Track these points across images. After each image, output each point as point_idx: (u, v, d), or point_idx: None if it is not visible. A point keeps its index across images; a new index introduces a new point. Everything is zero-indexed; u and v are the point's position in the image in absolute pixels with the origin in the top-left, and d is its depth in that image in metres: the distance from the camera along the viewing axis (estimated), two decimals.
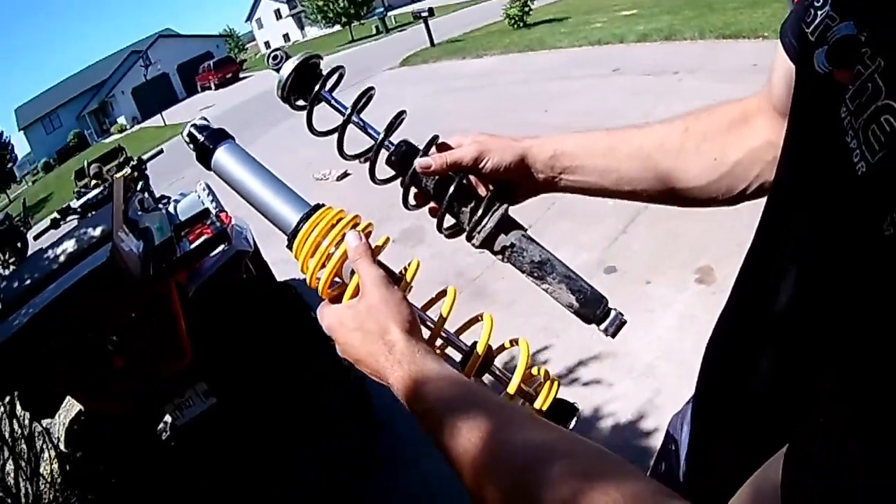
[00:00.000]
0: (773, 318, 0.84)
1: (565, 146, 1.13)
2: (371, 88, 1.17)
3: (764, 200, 0.94)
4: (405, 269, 1.04)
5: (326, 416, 3.74)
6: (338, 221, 1.00)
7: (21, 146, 70.53)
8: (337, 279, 1.01)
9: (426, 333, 0.98)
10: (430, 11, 24.16)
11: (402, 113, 1.16)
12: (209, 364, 3.28)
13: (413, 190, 1.13)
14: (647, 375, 4.00)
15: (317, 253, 0.99)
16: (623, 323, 1.03)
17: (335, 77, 1.13)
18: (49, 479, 3.74)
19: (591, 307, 1.02)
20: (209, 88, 53.55)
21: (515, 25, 21.88)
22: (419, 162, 1.08)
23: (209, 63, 56.28)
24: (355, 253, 0.96)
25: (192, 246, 3.35)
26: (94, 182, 8.92)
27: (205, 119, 1.12)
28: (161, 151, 7.23)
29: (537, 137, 1.15)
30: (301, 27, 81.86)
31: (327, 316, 0.98)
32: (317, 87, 1.10)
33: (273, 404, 3.58)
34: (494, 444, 0.72)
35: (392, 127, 1.12)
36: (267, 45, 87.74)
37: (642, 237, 5.66)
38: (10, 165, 57.62)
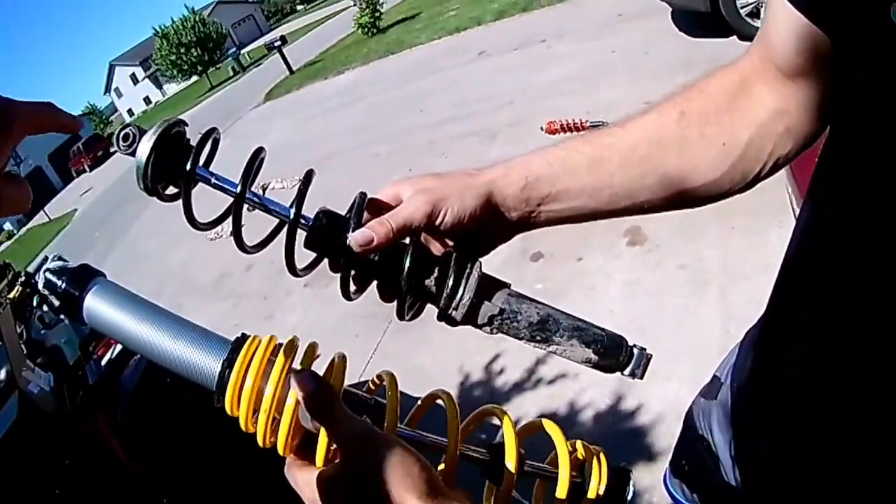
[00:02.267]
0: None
1: (538, 169, 0.89)
2: (261, 150, 0.86)
3: None
4: (372, 389, 0.84)
5: None
6: (274, 353, 0.76)
7: None
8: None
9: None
10: (283, 39, 24.11)
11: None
12: (159, 484, 3.03)
13: (351, 275, 0.85)
14: None
15: (261, 409, 0.74)
16: (649, 359, 0.84)
17: (209, 145, 0.84)
18: None
19: (613, 356, 0.83)
20: (84, 171, 52.44)
21: (370, 33, 21.96)
22: (356, 239, 0.80)
23: (78, 146, 55.09)
24: (313, 405, 0.71)
25: (103, 368, 3.09)
26: None
27: (60, 258, 0.85)
28: (46, 258, 6.93)
29: (497, 166, 0.91)
30: (160, 86, 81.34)
31: (305, 486, 0.73)
32: (188, 166, 0.81)
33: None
34: None
35: (301, 198, 0.83)
36: (130, 112, 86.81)
37: None
38: None
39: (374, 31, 21.92)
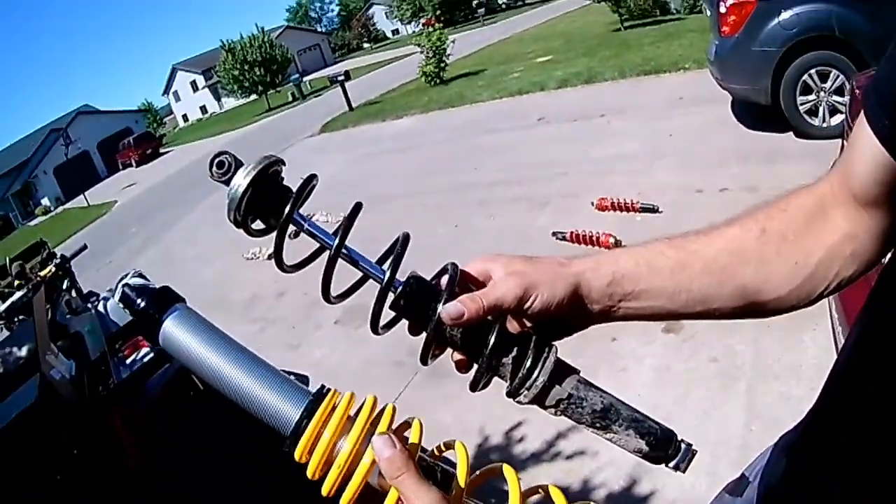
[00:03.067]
0: None
1: (625, 267, 0.91)
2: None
3: None
4: (438, 451, 0.83)
5: None
6: (354, 411, 0.77)
7: None
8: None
9: None
10: (347, 75, 24.40)
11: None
12: (160, 487, 2.98)
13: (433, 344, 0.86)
14: None
15: (335, 463, 0.74)
16: (694, 454, 0.84)
17: (306, 191, 0.85)
18: None
19: (663, 448, 0.83)
20: (130, 166, 53.13)
21: (433, 82, 22.15)
22: (448, 312, 0.81)
23: (129, 140, 55.93)
24: (391, 468, 0.72)
25: (130, 363, 3.07)
26: (17, 282, 8.57)
27: (141, 275, 0.84)
28: (85, 247, 6.99)
29: (587, 258, 0.93)
30: (218, 98, 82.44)
31: None
32: (287, 210, 0.82)
33: None
34: None
35: (398, 260, 0.85)
36: (185, 117, 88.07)
37: None
38: None
39: (438, 81, 22.11)
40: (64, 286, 5.63)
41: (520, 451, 4.00)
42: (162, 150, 54.06)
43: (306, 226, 0.85)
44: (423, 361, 0.87)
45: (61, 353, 3.07)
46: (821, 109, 6.90)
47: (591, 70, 14.00)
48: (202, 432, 3.21)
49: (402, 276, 0.85)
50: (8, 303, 6.06)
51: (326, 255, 0.85)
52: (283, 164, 0.85)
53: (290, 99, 47.86)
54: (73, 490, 2.66)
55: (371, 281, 0.86)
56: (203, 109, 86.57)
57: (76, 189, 49.20)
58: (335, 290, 0.87)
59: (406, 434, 0.80)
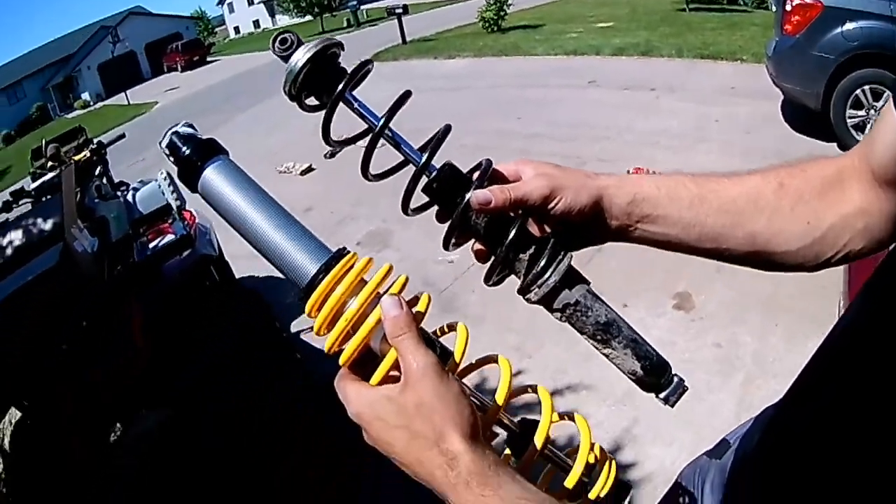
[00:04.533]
0: None
1: (647, 190, 0.95)
2: (408, 93, 0.91)
3: None
4: (441, 331, 0.86)
5: (292, 431, 3.48)
6: (367, 274, 0.80)
7: None
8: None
9: None
10: (405, 9, 24.10)
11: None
12: (166, 374, 3.05)
13: (457, 230, 0.90)
14: (624, 403, 3.88)
15: (342, 318, 0.77)
16: (685, 390, 0.90)
17: (360, 74, 0.90)
18: None
19: (657, 375, 0.88)
20: (175, 70, 52.87)
21: (490, 29, 21.82)
22: (477, 196, 0.85)
23: (177, 44, 55.61)
24: (396, 328, 0.75)
25: (152, 247, 3.13)
26: (50, 164, 8.63)
27: (190, 126, 0.87)
28: (123, 136, 7.01)
29: (613, 175, 0.96)
30: (272, 14, 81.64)
31: (354, 399, 0.77)
32: (340, 87, 0.86)
33: (234, 417, 3.32)
34: None
35: (437, 146, 0.90)
36: (237, 30, 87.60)
37: (618, 257, 5.49)
38: None
39: (495, 28, 21.76)
40: (96, 172, 5.69)
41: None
42: (209, 59, 53.79)
43: (356, 105, 0.89)
44: (446, 246, 0.92)
45: (86, 231, 3.13)
46: (868, 127, 6.71)
47: (649, 43, 13.79)
48: (216, 322, 3.29)
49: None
50: (38, 182, 6.13)
51: (372, 136, 0.89)
52: (342, 48, 0.89)
53: (345, 25, 47.43)
54: (77, 359, 2.74)
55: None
56: (256, 24, 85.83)
57: (118, 87, 49.09)
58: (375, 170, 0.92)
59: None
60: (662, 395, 0.89)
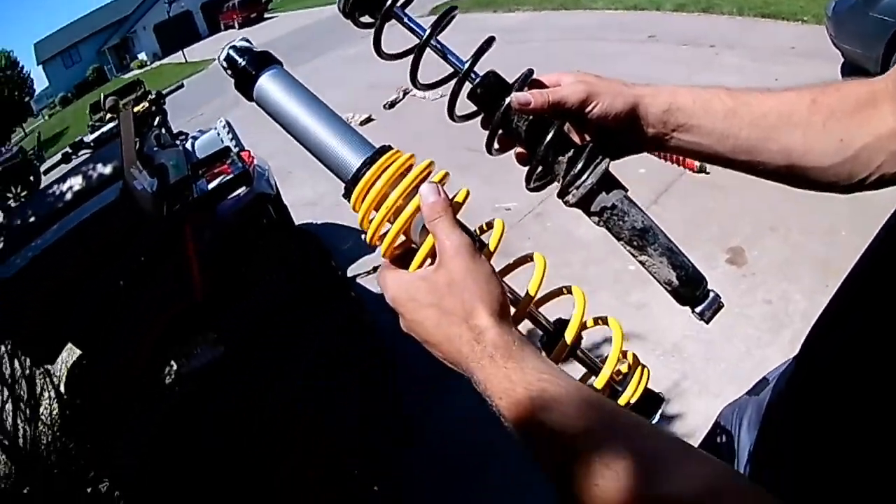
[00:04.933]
0: None
1: (682, 101, 0.96)
2: (454, 8, 0.97)
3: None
4: (481, 230, 0.88)
5: (342, 369, 3.55)
6: (408, 169, 0.83)
7: (39, 80, 70.06)
8: (402, 236, 0.84)
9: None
10: None
11: (491, 39, 0.96)
12: (221, 312, 3.11)
13: (499, 132, 0.93)
14: (672, 355, 3.89)
15: (383, 206, 0.81)
16: (721, 307, 0.91)
17: None
18: (48, 423, 3.61)
19: (692, 287, 0.90)
20: (232, 27, 52.95)
21: None
22: (517, 97, 0.88)
23: (234, 2, 55.44)
24: (433, 211, 0.78)
25: (211, 186, 3.18)
26: (109, 116, 8.79)
27: (246, 40, 0.92)
28: (181, 86, 7.10)
29: (650, 86, 0.98)
30: None
31: (392, 285, 0.81)
32: (390, 1, 0.90)
33: (286, 355, 3.38)
34: (652, 492, 0.58)
35: (480, 54, 0.92)
36: None
37: (674, 209, 5.50)
38: (27, 99, 57.20)
39: None
40: (155, 122, 5.79)
41: None
42: (266, 16, 53.82)
43: (405, 20, 0.93)
44: (489, 150, 0.96)
45: (145, 173, 3.20)
46: None
47: (710, 0, 13.54)
48: (270, 261, 3.35)
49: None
50: (97, 133, 6.27)
51: (418, 45, 0.94)
52: None
53: None
54: (137, 294, 2.81)
55: None
56: None
57: (175, 46, 49.48)
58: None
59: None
60: (698, 309, 0.90)
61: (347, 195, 0.84)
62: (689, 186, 5.75)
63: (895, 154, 0.91)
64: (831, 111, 0.94)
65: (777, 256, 4.56)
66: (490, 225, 0.89)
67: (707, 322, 0.91)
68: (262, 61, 0.89)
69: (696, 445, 1.41)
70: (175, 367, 3.14)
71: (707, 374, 3.65)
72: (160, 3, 58.44)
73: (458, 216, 0.82)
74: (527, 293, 0.85)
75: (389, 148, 0.85)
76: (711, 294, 0.90)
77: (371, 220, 0.82)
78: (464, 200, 0.84)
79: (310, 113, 0.86)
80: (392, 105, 10.54)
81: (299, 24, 32.50)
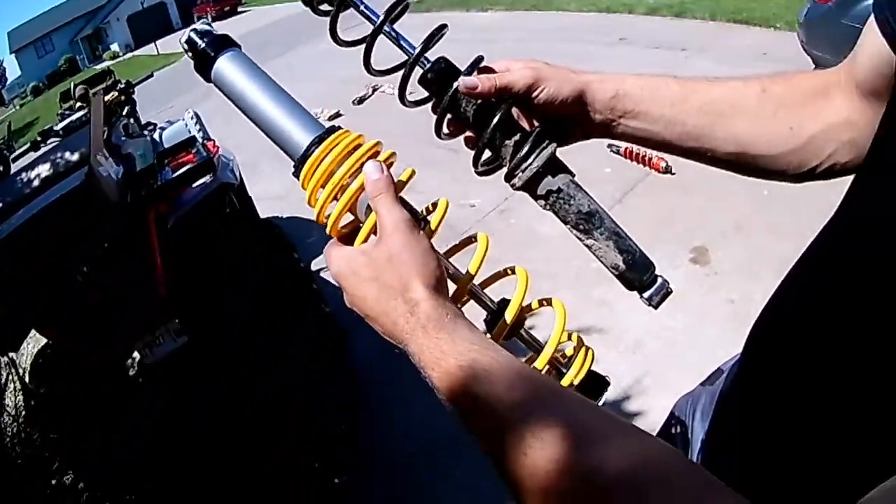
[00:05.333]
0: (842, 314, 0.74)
1: (629, 87, 0.98)
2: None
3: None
4: (428, 210, 0.91)
5: (303, 360, 3.56)
6: (356, 148, 0.85)
7: (12, 70, 69.23)
8: (350, 215, 0.87)
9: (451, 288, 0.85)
10: None
11: (443, 27, 0.99)
12: (183, 300, 3.11)
13: (447, 116, 0.96)
14: (634, 352, 3.92)
15: (329, 183, 0.83)
16: (669, 293, 0.93)
17: None
18: (13, 413, 3.59)
19: (639, 272, 0.91)
20: (205, 20, 52.69)
21: None
22: (464, 81, 0.91)
23: None
24: (375, 188, 0.81)
25: (175, 174, 3.17)
26: (78, 105, 8.73)
27: (207, 24, 0.94)
28: (151, 76, 7.09)
29: (598, 73, 1.00)
30: None
31: (335, 259, 0.84)
32: None
33: (248, 346, 3.38)
34: (579, 463, 0.59)
35: (430, 41, 0.95)
36: None
37: (638, 208, 5.54)
38: None
39: None
40: (124, 112, 5.76)
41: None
42: (240, 10, 53.50)
43: (361, 7, 0.96)
44: (438, 134, 0.98)
45: (111, 160, 3.19)
46: None
47: (682, 4, 13.55)
48: (233, 251, 3.34)
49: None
50: (66, 121, 6.23)
51: (372, 32, 0.97)
52: None
53: None
54: (100, 281, 2.80)
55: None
56: None
57: (148, 38, 49.10)
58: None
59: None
60: (646, 294, 0.91)
61: (297, 173, 0.86)
62: (655, 186, 5.80)
63: (846, 144, 0.93)
64: (781, 100, 0.96)
65: (741, 256, 4.60)
66: (435, 205, 0.91)
67: (655, 307, 0.92)
68: (220, 43, 0.91)
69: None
70: (139, 358, 3.13)
71: (668, 371, 3.67)
72: None
73: (403, 194, 0.85)
74: (467, 271, 0.87)
75: (338, 128, 0.87)
76: (660, 279, 0.92)
77: (318, 199, 0.84)
78: (408, 179, 0.87)
79: (264, 93, 0.89)
80: (361, 101, 10.54)
81: (273, 18, 32.37)
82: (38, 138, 5.98)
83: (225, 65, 0.90)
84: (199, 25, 0.93)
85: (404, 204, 0.84)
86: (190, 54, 0.92)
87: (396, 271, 0.77)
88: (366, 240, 0.83)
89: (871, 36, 0.82)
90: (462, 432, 0.71)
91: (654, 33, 11.87)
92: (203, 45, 0.91)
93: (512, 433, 0.63)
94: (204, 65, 0.91)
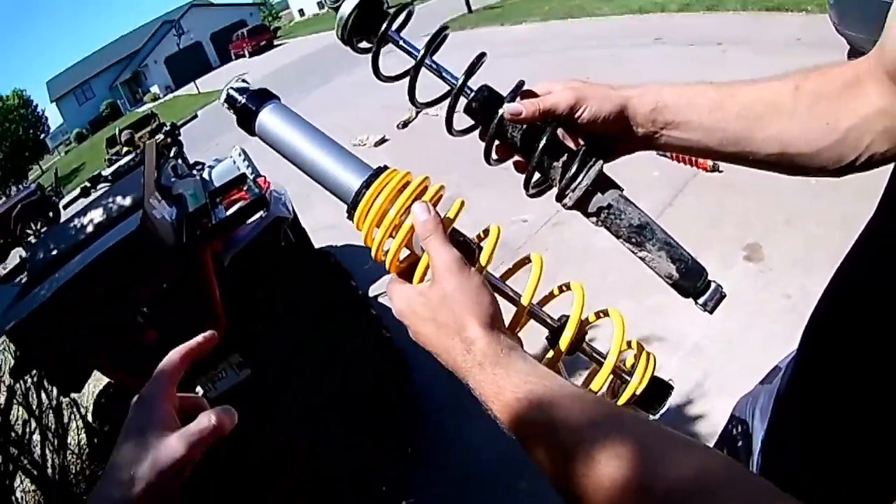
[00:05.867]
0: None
1: (668, 98, 0.99)
2: (445, 28, 1.03)
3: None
4: (480, 237, 0.92)
5: (366, 391, 3.59)
6: (405, 186, 0.87)
7: (54, 118, 70.88)
8: (406, 249, 0.89)
9: (509, 308, 0.87)
10: None
11: (482, 55, 1.01)
12: (244, 335, 3.16)
13: (496, 142, 0.98)
14: (693, 356, 3.88)
15: (382, 224, 0.86)
16: (723, 297, 0.94)
17: (403, 16, 1.00)
18: (76, 451, 3.66)
19: (692, 279, 0.93)
20: (243, 56, 53.47)
21: None
22: (508, 108, 0.93)
23: (243, 31, 56.08)
24: (424, 230, 0.84)
25: (229, 213, 3.22)
26: (125, 149, 8.90)
27: (244, 80, 0.98)
28: (195, 116, 7.19)
29: (637, 86, 1.01)
30: None
31: (397, 299, 0.87)
32: (384, 26, 0.97)
33: (310, 378, 3.41)
34: (639, 478, 0.60)
35: (472, 70, 0.97)
36: (301, 12, 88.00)
37: (689, 209, 5.50)
38: (42, 137, 57.72)
39: None
40: (171, 153, 5.86)
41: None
42: (276, 43, 54.12)
43: (400, 42, 1.00)
44: (487, 160, 1.00)
45: (164, 202, 3.25)
46: None
47: None
48: (290, 283, 3.38)
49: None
50: (115, 166, 6.34)
51: (414, 66, 1.00)
52: None
53: (410, 0, 47.32)
54: (162, 320, 2.85)
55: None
56: (320, 5, 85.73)
57: (187, 78, 50.11)
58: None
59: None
60: (701, 300, 0.93)
61: (350, 216, 0.89)
62: (703, 186, 5.75)
63: (882, 133, 0.92)
64: (815, 96, 0.96)
65: (794, 250, 4.54)
66: (487, 232, 0.92)
67: (711, 312, 0.93)
68: (260, 97, 0.95)
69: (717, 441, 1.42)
70: (202, 393, 3.18)
71: (728, 372, 3.64)
72: (170, 36, 59.16)
73: (456, 224, 0.88)
74: (523, 294, 0.88)
75: (386, 168, 0.89)
76: (713, 284, 0.93)
77: (374, 238, 0.87)
78: (457, 214, 0.89)
79: (309, 142, 0.92)
80: (405, 125, 10.61)
81: (309, 50, 32.76)
82: (88, 184, 6.09)
83: (267, 118, 0.93)
84: (236, 82, 0.96)
85: (456, 235, 0.88)
86: (231, 111, 0.95)
87: (451, 312, 0.80)
88: (422, 278, 0.86)
89: None
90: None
91: (689, 30, 11.79)
92: (243, 100, 0.94)
93: (572, 456, 0.65)
94: (246, 119, 0.94)
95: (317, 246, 4.78)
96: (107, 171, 6.23)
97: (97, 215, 3.24)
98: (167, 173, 4.28)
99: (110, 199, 3.40)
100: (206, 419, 0.83)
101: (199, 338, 0.93)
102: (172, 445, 0.78)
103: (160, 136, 6.21)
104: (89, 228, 3.14)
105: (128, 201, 3.23)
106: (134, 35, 68.04)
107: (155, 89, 61.50)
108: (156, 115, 14.97)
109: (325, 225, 6.44)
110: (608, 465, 0.61)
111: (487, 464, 3.58)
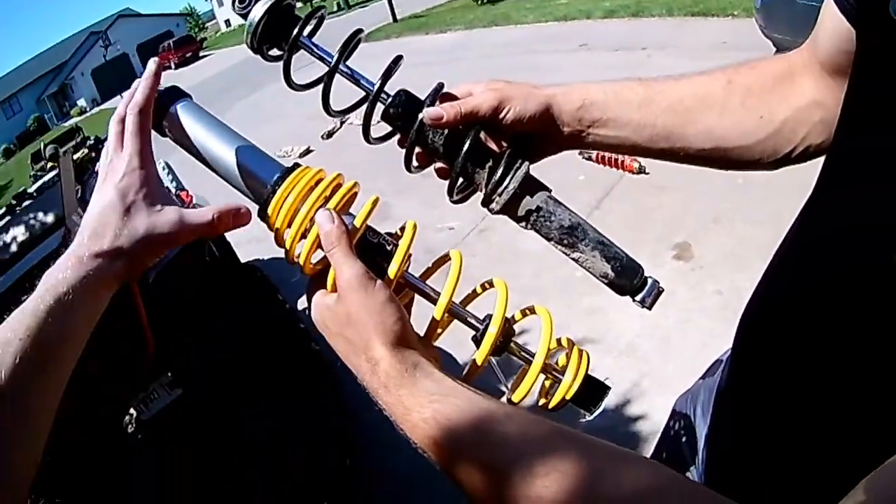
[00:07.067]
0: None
1: (595, 95, 0.98)
2: (359, 31, 0.98)
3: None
4: (398, 235, 0.89)
5: (298, 404, 3.54)
6: (317, 183, 0.84)
7: None
8: (321, 249, 0.84)
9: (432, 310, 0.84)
10: None
11: (398, 58, 0.98)
12: (173, 354, 3.08)
13: (416, 149, 0.95)
14: (629, 355, 3.90)
15: (294, 223, 0.83)
16: (661, 292, 0.91)
17: (315, 21, 0.95)
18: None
19: (629, 277, 0.90)
20: (169, 68, 52.60)
21: (479, 1, 21.61)
22: (428, 113, 0.90)
23: (169, 43, 55.34)
24: (327, 242, 0.80)
25: None
26: (50, 164, 8.73)
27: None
28: None
29: (562, 85, 0.99)
30: None
31: (313, 308, 0.84)
32: (295, 32, 0.92)
33: (242, 392, 3.35)
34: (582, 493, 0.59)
35: (389, 74, 0.94)
36: (227, 23, 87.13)
37: (616, 212, 5.56)
38: None
39: (485, 0, 21.66)
40: (95, 168, 5.73)
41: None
42: (202, 54, 53.63)
43: (313, 49, 0.95)
44: (408, 168, 0.97)
45: None
46: None
47: (639, 4, 13.68)
48: (215, 298, 3.31)
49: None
50: (39, 182, 6.21)
51: (327, 73, 0.95)
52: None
53: (335, 8, 47.09)
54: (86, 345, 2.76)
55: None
56: (245, 16, 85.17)
57: (113, 91, 49.28)
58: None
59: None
60: (638, 297, 0.90)
61: (262, 216, 0.85)
62: (630, 188, 5.81)
63: (817, 125, 0.93)
64: (748, 89, 0.97)
65: (723, 247, 4.62)
66: (403, 229, 0.89)
67: (650, 308, 0.91)
68: (170, 96, 0.91)
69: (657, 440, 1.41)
70: (136, 415, 3.10)
71: (665, 370, 3.67)
72: (97, 48, 58.14)
73: (371, 218, 0.85)
74: (441, 295, 0.85)
75: (298, 165, 0.86)
76: (650, 280, 0.90)
77: (286, 239, 0.84)
78: (368, 214, 0.85)
79: (219, 142, 0.89)
80: (330, 135, 10.54)
81: (235, 60, 32.38)
82: (13, 202, 5.96)
83: (176, 116, 0.90)
84: None
85: (370, 237, 0.85)
86: None
87: (356, 330, 0.78)
88: (334, 286, 0.82)
89: (830, 13, 0.82)
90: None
91: (614, 35, 11.97)
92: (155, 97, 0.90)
93: (482, 475, 0.65)
94: (156, 119, 0.90)
95: (243, 260, 4.70)
96: (32, 188, 6.09)
97: (18, 233, 3.15)
98: (92, 188, 4.18)
99: (31, 216, 3.31)
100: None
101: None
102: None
103: (84, 151, 6.09)
104: (12, 248, 3.05)
105: (50, 218, 3.15)
106: (61, 46, 66.82)
107: (82, 102, 60.49)
108: (80, 128, 14.69)
109: (252, 238, 6.36)
110: (559, 482, 0.60)
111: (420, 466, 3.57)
